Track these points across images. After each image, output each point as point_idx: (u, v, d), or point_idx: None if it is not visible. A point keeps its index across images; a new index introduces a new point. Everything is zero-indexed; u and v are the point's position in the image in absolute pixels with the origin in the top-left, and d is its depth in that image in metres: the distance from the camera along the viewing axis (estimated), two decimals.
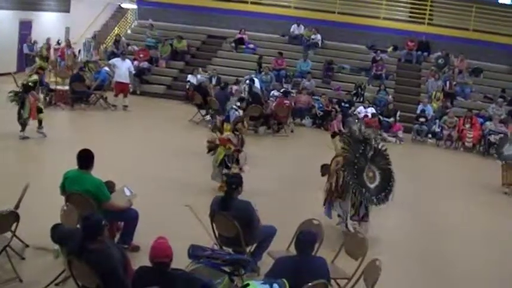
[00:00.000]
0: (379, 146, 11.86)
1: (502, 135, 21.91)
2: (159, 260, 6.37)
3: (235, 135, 13.94)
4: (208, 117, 22.20)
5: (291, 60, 29.32)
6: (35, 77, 17.92)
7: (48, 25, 32.12)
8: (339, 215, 11.77)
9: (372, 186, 11.50)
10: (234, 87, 24.19)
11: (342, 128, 23.47)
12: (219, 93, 22.90)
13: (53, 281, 7.94)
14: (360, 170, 11.32)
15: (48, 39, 30.03)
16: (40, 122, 17.13)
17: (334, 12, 31.70)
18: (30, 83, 17.18)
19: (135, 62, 27.06)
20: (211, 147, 13.81)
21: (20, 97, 16.73)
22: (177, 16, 32.66)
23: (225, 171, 13.25)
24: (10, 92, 17.11)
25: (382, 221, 12.75)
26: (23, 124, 16.69)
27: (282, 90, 24.97)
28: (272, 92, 25.16)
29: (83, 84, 22.68)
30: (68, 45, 29.01)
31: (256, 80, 24.38)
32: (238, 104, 17.94)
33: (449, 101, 26.14)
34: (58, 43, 31.20)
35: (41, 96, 18.32)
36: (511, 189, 16.89)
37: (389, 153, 12.09)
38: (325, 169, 11.94)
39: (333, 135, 13.11)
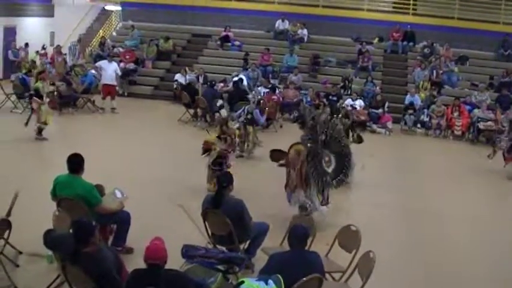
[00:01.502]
0: (330, 130, 11.94)
1: (490, 122, 22.07)
2: (153, 261, 6.37)
3: (222, 139, 13.73)
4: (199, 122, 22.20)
5: (277, 55, 29.30)
6: (39, 84, 18.08)
7: (32, 30, 31.99)
8: (300, 207, 11.75)
9: (330, 170, 11.71)
10: (220, 85, 24.20)
11: None
12: (206, 91, 22.89)
13: (48, 287, 7.92)
14: (320, 159, 11.55)
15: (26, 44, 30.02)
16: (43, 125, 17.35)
17: (318, 6, 31.74)
18: (33, 91, 17.55)
19: (121, 64, 26.99)
20: (205, 150, 13.62)
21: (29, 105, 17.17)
22: (162, 16, 32.62)
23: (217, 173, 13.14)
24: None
25: (372, 210, 12.81)
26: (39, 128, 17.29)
27: (269, 86, 24.96)
28: (259, 88, 25.07)
29: (70, 88, 22.63)
30: (59, 51, 28.88)
31: (244, 77, 24.40)
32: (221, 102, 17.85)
33: (437, 90, 26.19)
34: (43, 48, 31.08)
35: (51, 88, 18.43)
36: None
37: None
38: (276, 155, 12.05)
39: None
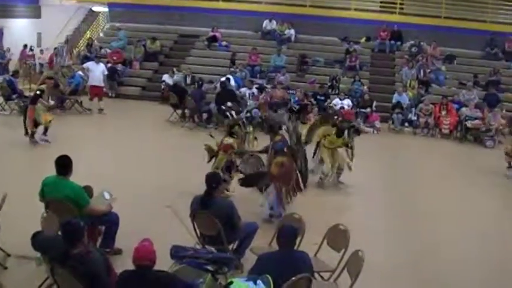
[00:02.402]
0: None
1: (478, 120, 22.19)
2: (142, 262, 6.36)
3: (234, 138, 13.64)
4: (187, 123, 22.18)
5: (264, 55, 29.30)
6: (43, 86, 18.05)
7: (19, 32, 31.95)
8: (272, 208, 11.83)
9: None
10: (206, 86, 24.17)
11: None
12: (194, 91, 22.87)
13: None
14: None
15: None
16: (46, 129, 17.37)
17: (305, 6, 31.77)
18: (37, 91, 17.61)
19: (108, 65, 26.90)
20: (212, 155, 13.39)
21: (23, 107, 17.32)
22: (149, 17, 32.52)
23: (226, 177, 12.86)
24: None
25: (361, 209, 12.84)
26: (32, 133, 17.18)
27: (254, 87, 24.92)
28: (243, 89, 24.87)
29: (58, 90, 22.56)
30: (57, 53, 28.83)
31: (231, 78, 24.39)
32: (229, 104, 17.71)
33: (424, 88, 26.29)
34: (31, 49, 31.04)
35: (51, 102, 18.36)
36: None
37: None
38: (252, 180, 12.11)
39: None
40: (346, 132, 14.63)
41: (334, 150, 14.50)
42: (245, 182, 12.13)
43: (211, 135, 13.61)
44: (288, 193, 11.80)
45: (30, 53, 31.25)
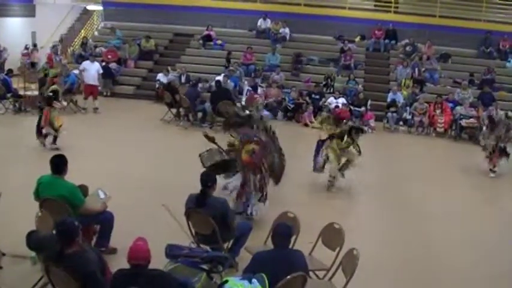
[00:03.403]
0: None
1: (473, 119, 22.22)
2: (137, 261, 6.36)
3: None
4: (181, 122, 22.17)
5: (259, 54, 29.28)
6: (54, 86, 17.94)
7: (13, 30, 31.88)
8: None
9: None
10: (200, 85, 24.18)
11: (313, 120, 23.61)
12: (189, 90, 22.85)
13: None
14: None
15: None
16: (55, 138, 17.06)
17: (300, 5, 31.75)
18: (50, 93, 17.39)
19: (103, 63, 26.86)
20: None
21: (39, 108, 17.13)
22: (143, 16, 32.49)
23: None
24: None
25: (357, 208, 12.84)
26: (45, 135, 16.86)
27: (252, 84, 24.93)
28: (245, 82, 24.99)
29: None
30: (56, 51, 28.76)
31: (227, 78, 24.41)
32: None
33: (419, 87, 26.29)
34: (26, 48, 30.99)
35: (64, 103, 18.25)
36: None
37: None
38: (219, 168, 12.01)
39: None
40: (346, 135, 14.49)
41: (342, 150, 14.44)
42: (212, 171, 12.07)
43: (206, 135, 13.48)
44: (254, 184, 11.74)
45: (25, 51, 31.17)
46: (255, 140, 11.68)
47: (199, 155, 12.11)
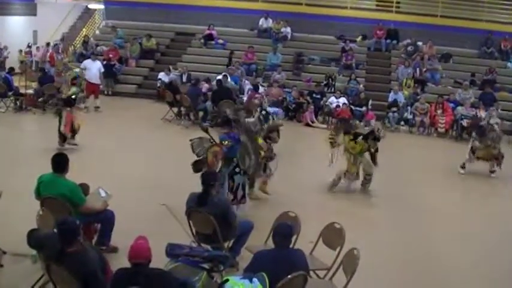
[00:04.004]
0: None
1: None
2: (137, 260, 6.37)
3: (267, 143, 13.36)
4: (183, 121, 22.17)
5: (260, 53, 29.29)
6: (74, 89, 17.87)
7: (15, 29, 31.90)
8: None
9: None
10: (205, 86, 24.17)
11: (314, 119, 23.63)
12: (190, 89, 22.85)
13: (32, 287, 7.89)
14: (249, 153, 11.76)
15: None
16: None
17: (301, 4, 31.74)
18: (71, 96, 17.33)
19: (104, 62, 26.86)
20: None
21: (58, 110, 16.87)
22: (145, 14, 32.48)
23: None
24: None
25: (357, 208, 12.83)
26: (62, 136, 16.72)
27: (252, 84, 24.94)
28: (246, 81, 25.01)
29: (54, 87, 22.57)
30: (57, 50, 28.79)
31: (228, 74, 24.39)
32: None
33: (420, 87, 26.28)
34: (29, 46, 31.02)
35: (82, 106, 18.19)
36: None
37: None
38: (199, 165, 11.94)
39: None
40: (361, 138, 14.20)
41: (358, 155, 14.22)
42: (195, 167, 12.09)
43: (202, 127, 13.38)
44: None
45: (28, 49, 31.20)
46: (228, 142, 11.68)
47: (190, 141, 12.08)
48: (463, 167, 17.25)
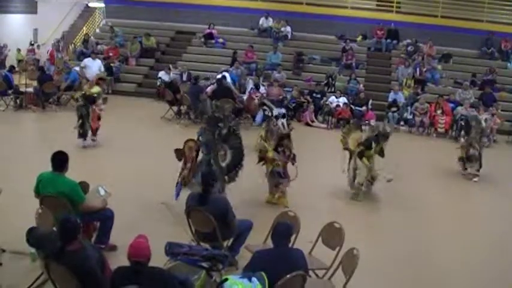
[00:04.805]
0: (232, 124, 11.94)
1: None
2: (137, 259, 6.37)
3: (280, 152, 12.83)
4: (182, 120, 22.17)
5: (261, 53, 29.29)
6: (98, 88, 17.88)
7: (15, 27, 31.88)
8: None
9: (223, 164, 11.71)
10: (209, 87, 24.15)
11: (314, 119, 23.63)
12: (190, 88, 22.83)
13: (31, 285, 7.90)
14: (216, 152, 11.66)
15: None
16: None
17: (302, 3, 31.73)
18: (94, 94, 17.41)
19: (104, 61, 26.87)
20: (261, 159, 12.90)
21: (81, 108, 16.97)
22: (145, 13, 32.48)
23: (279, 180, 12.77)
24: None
25: (357, 208, 12.83)
26: (83, 134, 16.93)
27: (253, 84, 24.93)
28: (250, 80, 25.03)
29: (53, 85, 22.59)
30: (57, 49, 28.79)
31: (228, 75, 24.36)
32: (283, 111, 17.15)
33: (420, 87, 26.28)
34: (31, 44, 31.01)
35: (103, 107, 18.26)
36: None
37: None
38: (178, 154, 12.05)
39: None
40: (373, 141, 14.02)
41: (370, 158, 14.00)
42: (176, 154, 12.22)
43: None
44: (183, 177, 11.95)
45: (31, 47, 31.21)
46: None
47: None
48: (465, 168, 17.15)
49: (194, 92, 22.28)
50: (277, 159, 12.66)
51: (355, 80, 26.74)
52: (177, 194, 11.70)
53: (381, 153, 14.29)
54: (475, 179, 16.63)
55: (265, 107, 19.52)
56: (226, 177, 11.66)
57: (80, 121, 16.76)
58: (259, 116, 19.81)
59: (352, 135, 14.33)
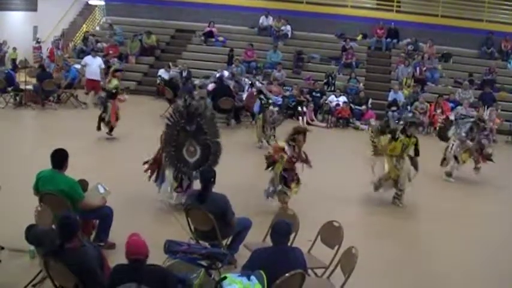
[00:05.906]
0: (201, 122, 11.93)
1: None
2: (135, 256, 6.37)
3: (290, 146, 12.41)
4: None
5: (261, 51, 29.35)
6: (115, 82, 17.96)
7: (15, 24, 31.81)
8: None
9: (192, 160, 11.78)
10: (210, 85, 24.13)
11: (314, 118, 23.63)
12: (182, 87, 22.94)
13: (30, 282, 7.89)
14: (179, 145, 11.84)
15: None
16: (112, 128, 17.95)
17: (302, 2, 31.76)
18: (113, 90, 17.87)
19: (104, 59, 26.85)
20: (270, 163, 12.52)
21: (102, 102, 17.75)
22: (145, 11, 32.50)
23: (282, 188, 12.34)
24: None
25: (356, 207, 12.83)
26: (110, 127, 17.84)
27: (249, 82, 24.90)
28: (246, 79, 24.94)
29: (53, 83, 22.58)
30: (57, 46, 28.76)
31: (227, 73, 24.33)
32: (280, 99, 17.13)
33: (420, 86, 26.28)
34: (38, 41, 31.00)
35: (126, 97, 18.41)
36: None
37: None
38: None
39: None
40: (399, 132, 13.76)
41: (400, 158, 13.69)
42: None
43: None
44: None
45: (37, 45, 31.17)
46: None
47: None
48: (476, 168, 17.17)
49: (185, 90, 22.27)
50: (287, 151, 12.30)
51: (355, 79, 26.78)
52: (159, 185, 12.04)
53: (414, 164, 13.97)
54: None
55: (261, 96, 19.45)
56: (194, 173, 11.67)
57: (104, 114, 17.65)
58: (256, 105, 19.76)
59: (382, 139, 13.85)
